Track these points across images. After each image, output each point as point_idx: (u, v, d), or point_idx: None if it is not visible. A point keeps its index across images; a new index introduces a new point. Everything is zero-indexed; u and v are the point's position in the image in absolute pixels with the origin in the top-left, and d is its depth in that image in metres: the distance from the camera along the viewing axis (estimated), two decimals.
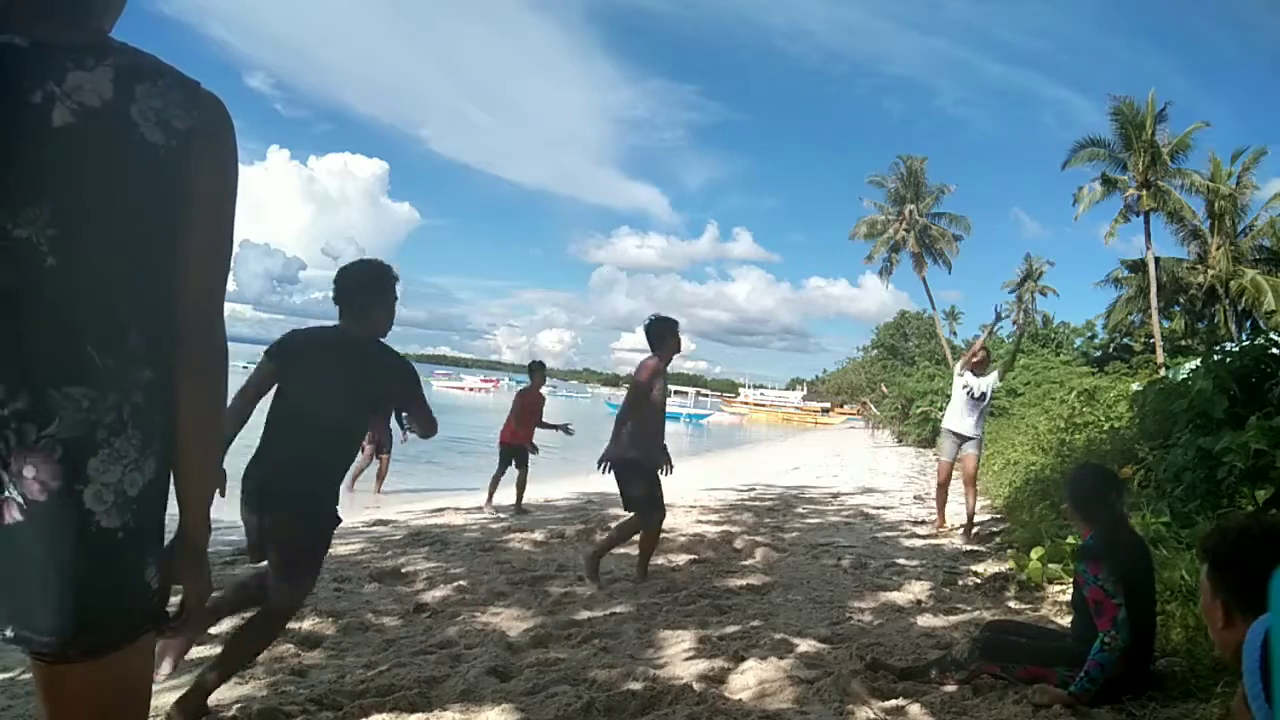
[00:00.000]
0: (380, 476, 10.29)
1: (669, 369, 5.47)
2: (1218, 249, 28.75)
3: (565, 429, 9.32)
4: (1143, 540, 3.50)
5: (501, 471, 8.87)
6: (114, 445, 1.12)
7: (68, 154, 1.10)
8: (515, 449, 8.91)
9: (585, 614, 4.39)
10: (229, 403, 1.40)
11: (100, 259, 1.13)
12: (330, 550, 6.19)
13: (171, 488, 1.25)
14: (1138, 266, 31.19)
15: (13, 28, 1.11)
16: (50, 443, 1.08)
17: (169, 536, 1.27)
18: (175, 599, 1.30)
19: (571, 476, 12.71)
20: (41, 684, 1.19)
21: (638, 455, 5.19)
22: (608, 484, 11.56)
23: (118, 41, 1.19)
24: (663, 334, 5.32)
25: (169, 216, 1.18)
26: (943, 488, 7.82)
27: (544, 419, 9.17)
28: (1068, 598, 4.48)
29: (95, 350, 1.12)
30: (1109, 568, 2.99)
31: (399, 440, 10.26)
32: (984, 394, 7.58)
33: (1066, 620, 3.89)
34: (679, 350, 5.42)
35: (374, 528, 7.45)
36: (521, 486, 8.94)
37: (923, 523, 8.13)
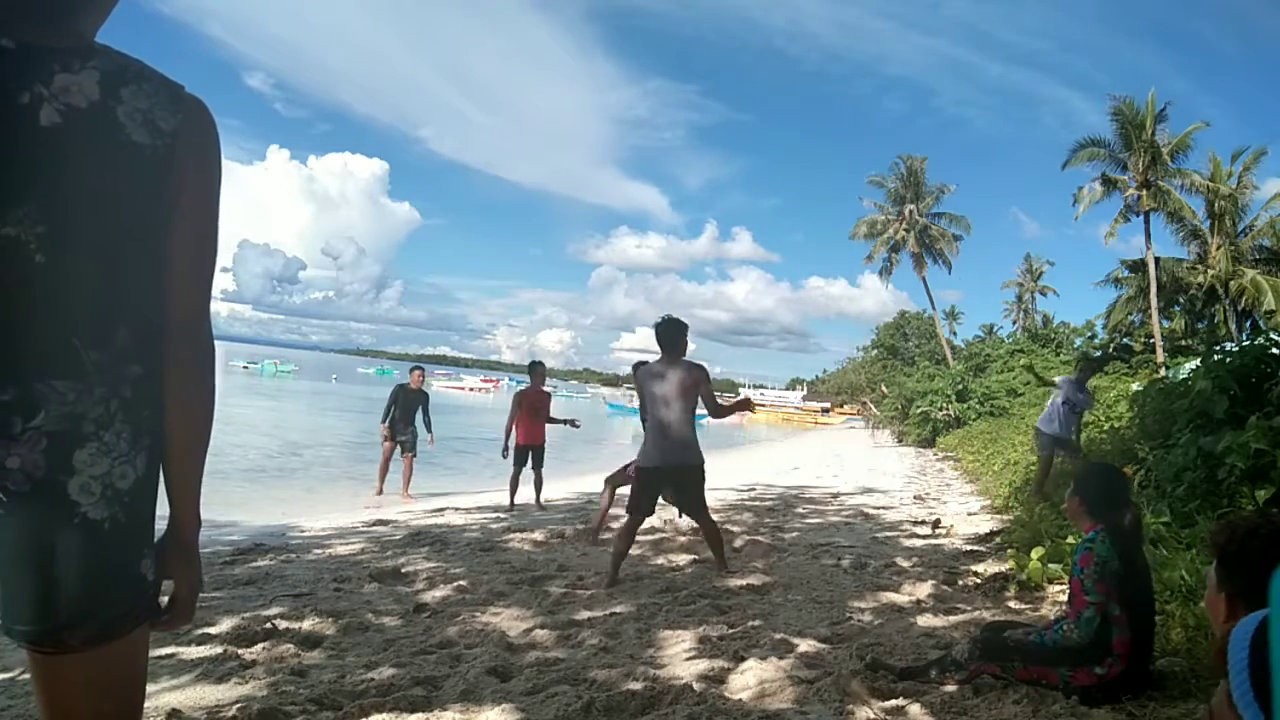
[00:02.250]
0: (406, 478, 10.46)
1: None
2: (1218, 249, 28.73)
3: (572, 423, 9.64)
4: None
5: (518, 473, 9.00)
6: (102, 439, 1.14)
7: (55, 154, 1.13)
8: (532, 448, 9.11)
9: (585, 614, 4.39)
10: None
11: (88, 257, 1.15)
12: (330, 550, 6.21)
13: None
14: (1138, 266, 31.17)
15: (0, 31, 1.13)
16: (35, 434, 1.11)
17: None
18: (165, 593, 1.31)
19: (571, 477, 12.71)
20: (38, 675, 1.21)
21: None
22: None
23: (102, 45, 1.22)
24: (681, 336, 5.34)
25: (155, 216, 1.20)
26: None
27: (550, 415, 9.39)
28: (1067, 597, 4.48)
29: (82, 345, 1.14)
30: (1099, 567, 2.98)
31: (424, 442, 10.45)
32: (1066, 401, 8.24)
33: None
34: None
35: (374, 528, 7.44)
36: (539, 485, 9.20)
37: (922, 523, 8.12)
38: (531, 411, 9.09)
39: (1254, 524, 1.71)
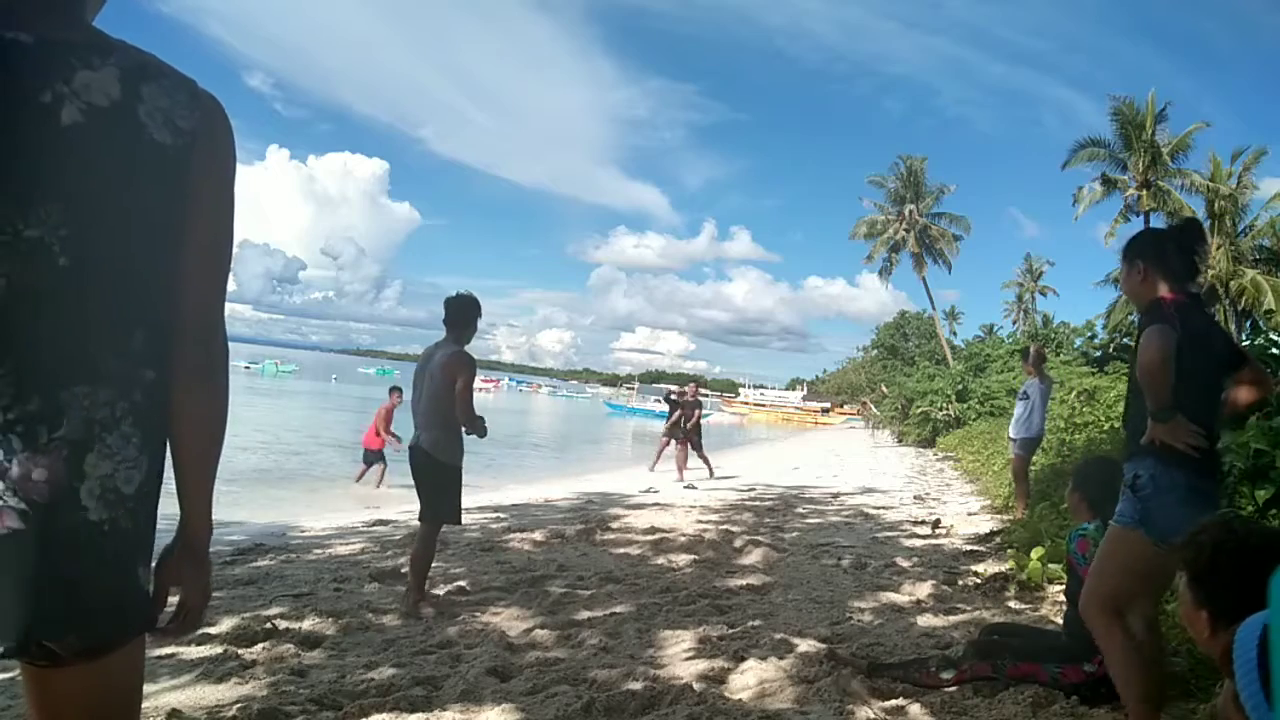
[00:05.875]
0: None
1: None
2: (1218, 249, 28.70)
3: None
4: None
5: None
6: (106, 441, 1.11)
7: (78, 153, 1.10)
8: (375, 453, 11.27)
9: (585, 614, 4.39)
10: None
11: (110, 259, 1.13)
12: (330, 550, 6.20)
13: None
14: None
15: (14, 23, 1.10)
16: (60, 444, 1.08)
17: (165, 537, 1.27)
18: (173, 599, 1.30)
19: (570, 477, 12.72)
20: (32, 688, 1.17)
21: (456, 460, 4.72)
22: (608, 484, 11.56)
23: (118, 40, 1.19)
24: (470, 316, 4.76)
25: (175, 217, 1.18)
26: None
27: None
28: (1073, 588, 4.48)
29: (99, 349, 1.12)
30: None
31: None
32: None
33: None
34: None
35: (374, 528, 7.44)
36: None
37: (922, 523, 8.12)
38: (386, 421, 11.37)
39: (1219, 539, 1.62)
